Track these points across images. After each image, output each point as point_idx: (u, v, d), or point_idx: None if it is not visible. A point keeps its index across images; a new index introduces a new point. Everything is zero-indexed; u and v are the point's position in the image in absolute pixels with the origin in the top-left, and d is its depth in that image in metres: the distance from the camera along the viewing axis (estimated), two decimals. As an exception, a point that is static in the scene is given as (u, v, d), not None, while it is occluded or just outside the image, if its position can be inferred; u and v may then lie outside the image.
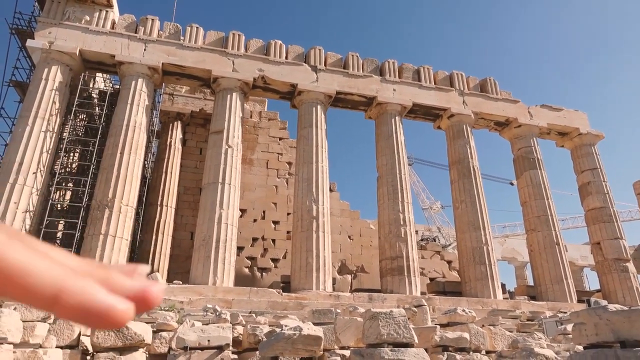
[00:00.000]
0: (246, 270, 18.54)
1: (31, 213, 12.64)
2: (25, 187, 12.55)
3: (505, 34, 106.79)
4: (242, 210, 18.58)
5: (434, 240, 26.74)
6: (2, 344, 4.90)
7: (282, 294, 13.04)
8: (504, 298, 15.94)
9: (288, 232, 18.79)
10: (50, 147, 13.60)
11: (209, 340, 6.88)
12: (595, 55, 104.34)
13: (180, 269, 17.13)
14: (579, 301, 15.82)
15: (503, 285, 17.25)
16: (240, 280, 16.76)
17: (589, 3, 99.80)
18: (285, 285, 14.39)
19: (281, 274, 17.27)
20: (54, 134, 13.80)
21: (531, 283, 21.09)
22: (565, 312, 12.51)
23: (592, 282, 36.75)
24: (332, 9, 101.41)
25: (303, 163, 15.63)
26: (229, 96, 15.63)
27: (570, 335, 6.91)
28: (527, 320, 12.61)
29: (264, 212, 19.68)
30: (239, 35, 16.63)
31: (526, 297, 17.03)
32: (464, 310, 8.71)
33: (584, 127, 19.80)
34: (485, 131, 20.01)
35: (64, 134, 14.89)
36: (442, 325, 8.64)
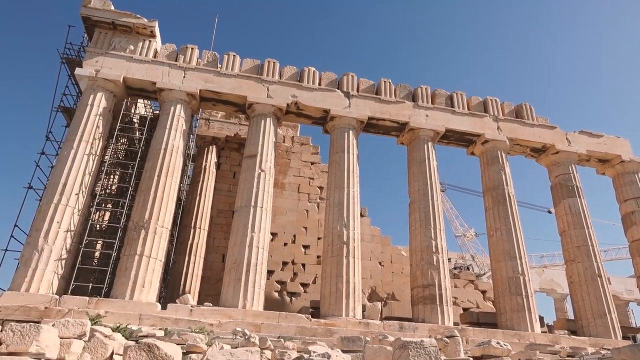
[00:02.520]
0: (276, 294, 18.53)
1: (72, 233, 13.13)
2: (67, 208, 13.11)
3: (541, 59, 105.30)
4: (273, 234, 18.73)
5: (468, 268, 25.99)
6: (40, 359, 5.06)
7: (311, 320, 12.93)
8: (542, 332, 15.24)
9: (318, 256, 18.75)
10: (92, 170, 14.20)
11: (237, 364, 6.88)
12: (636, 80, 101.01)
13: (212, 291, 17.31)
14: (624, 337, 14.96)
15: (541, 318, 16.51)
16: (270, 304, 16.75)
17: (628, 26, 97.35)
18: (315, 310, 14.27)
19: (310, 299, 17.17)
20: (97, 157, 14.43)
21: (572, 316, 20.13)
22: (609, 349, 11.83)
23: (638, 317, 34.72)
24: (366, 36, 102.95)
25: (334, 188, 15.68)
26: (263, 121, 15.99)
27: (614, 374, 6.52)
28: (567, 356, 11.98)
29: (294, 236, 19.75)
30: (273, 62, 17.11)
31: (566, 331, 16.22)
32: (498, 343, 8.40)
33: (627, 154, 19.09)
34: (522, 158, 19.58)
35: (106, 157, 15.55)
36: (476, 358, 8.35)
